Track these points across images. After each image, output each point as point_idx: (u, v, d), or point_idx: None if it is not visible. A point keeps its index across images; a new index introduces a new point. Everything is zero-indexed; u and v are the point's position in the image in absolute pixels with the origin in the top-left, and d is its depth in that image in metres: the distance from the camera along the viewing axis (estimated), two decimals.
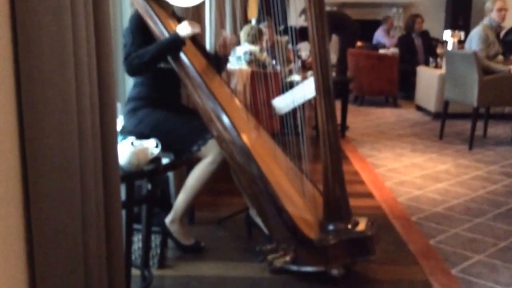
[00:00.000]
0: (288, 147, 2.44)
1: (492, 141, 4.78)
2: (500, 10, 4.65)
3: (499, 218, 2.92)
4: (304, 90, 2.32)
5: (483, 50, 4.50)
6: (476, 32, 4.63)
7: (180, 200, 2.34)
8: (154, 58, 2.17)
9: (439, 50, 6.93)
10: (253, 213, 2.46)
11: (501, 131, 5.08)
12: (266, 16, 5.66)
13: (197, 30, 2.18)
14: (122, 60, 2.18)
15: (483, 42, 4.52)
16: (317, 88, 2.09)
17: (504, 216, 2.94)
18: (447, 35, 7.70)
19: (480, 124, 4.83)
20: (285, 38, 6.15)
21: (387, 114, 6.06)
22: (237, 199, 2.65)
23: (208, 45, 4.18)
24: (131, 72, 2.20)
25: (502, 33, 6.33)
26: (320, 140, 2.14)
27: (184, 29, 2.17)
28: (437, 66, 6.16)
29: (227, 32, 4.29)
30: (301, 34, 2.69)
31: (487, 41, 4.55)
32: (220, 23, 4.40)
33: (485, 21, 4.67)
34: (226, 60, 2.57)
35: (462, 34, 7.19)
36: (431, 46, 7.24)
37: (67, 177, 1.25)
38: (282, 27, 7.01)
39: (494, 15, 4.64)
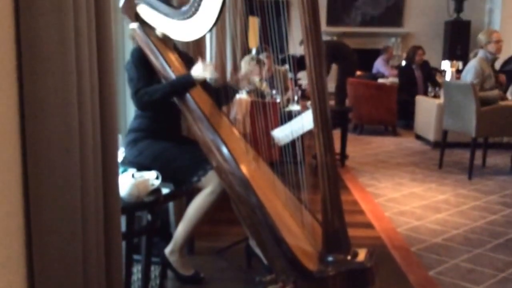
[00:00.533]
0: (287, 176, 2.46)
1: (491, 170, 4.80)
2: (497, 42, 4.69)
3: (499, 249, 2.91)
4: (303, 122, 2.35)
5: (478, 84, 4.53)
6: (472, 66, 4.66)
7: (180, 231, 2.35)
8: (165, 97, 2.22)
9: (439, 79, 7.02)
10: (253, 243, 2.47)
11: (500, 160, 5.10)
12: (265, 46, 5.78)
13: (210, 75, 2.22)
14: (131, 95, 2.23)
15: (478, 76, 4.55)
16: (315, 120, 2.12)
17: (503, 247, 2.94)
18: (445, 65, 7.82)
19: (479, 154, 4.87)
20: (285, 67, 6.24)
21: (387, 143, 6.09)
22: (237, 228, 2.65)
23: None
24: (141, 107, 2.26)
25: (497, 63, 6.41)
26: (318, 172, 2.16)
27: (198, 72, 2.21)
28: (435, 96, 6.23)
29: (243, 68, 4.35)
30: (301, 63, 2.75)
31: (483, 74, 4.58)
32: (220, 54, 4.48)
33: (480, 54, 4.70)
34: (235, 91, 2.61)
35: (460, 64, 7.29)
36: (431, 75, 7.33)
37: (68, 208, 1.27)
38: (282, 56, 7.13)
39: (491, 48, 4.67)
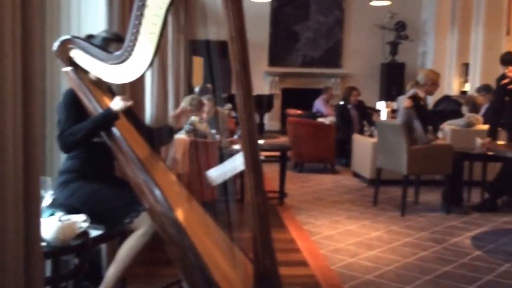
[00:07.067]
0: (224, 215, 2.48)
1: (423, 207, 5.01)
2: (431, 85, 4.97)
3: (427, 285, 3.03)
4: (235, 163, 2.41)
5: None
6: (401, 106, 4.94)
7: (111, 273, 2.31)
8: (88, 134, 2.23)
9: (375, 119, 7.34)
10: (185, 285, 2.45)
11: (432, 197, 5.34)
12: (207, 87, 5.86)
13: (129, 104, 2.26)
14: (57, 137, 2.22)
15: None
16: (246, 162, 2.18)
17: (432, 283, 3.06)
18: (380, 105, 8.20)
19: (412, 191, 5.08)
20: (228, 106, 6.34)
21: (325, 181, 6.25)
22: (171, 270, 2.62)
23: (148, 116, 4.25)
24: (65, 149, 2.25)
25: (429, 103, 6.79)
26: (249, 212, 2.20)
27: (116, 103, 2.25)
28: (371, 135, 6.50)
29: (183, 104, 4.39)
30: None
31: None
32: (161, 94, 4.50)
33: (411, 92, 4.96)
34: (176, 131, 2.64)
35: (394, 104, 7.67)
36: (366, 115, 7.65)
37: None
38: (225, 95, 7.24)
39: (422, 89, 4.94)
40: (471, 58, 8.73)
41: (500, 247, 3.78)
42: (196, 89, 6.27)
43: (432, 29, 10.96)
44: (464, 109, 5.86)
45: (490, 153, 4.50)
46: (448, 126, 5.57)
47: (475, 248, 3.74)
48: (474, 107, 5.85)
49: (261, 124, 10.05)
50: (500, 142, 4.83)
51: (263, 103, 10.00)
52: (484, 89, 6.24)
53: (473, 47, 8.61)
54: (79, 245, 1.83)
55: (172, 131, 2.61)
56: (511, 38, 8.95)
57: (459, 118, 5.65)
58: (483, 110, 6.11)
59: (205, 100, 4.78)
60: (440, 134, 5.62)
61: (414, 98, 4.90)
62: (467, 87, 9.26)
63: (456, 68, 9.73)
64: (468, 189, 5.21)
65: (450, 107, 7.83)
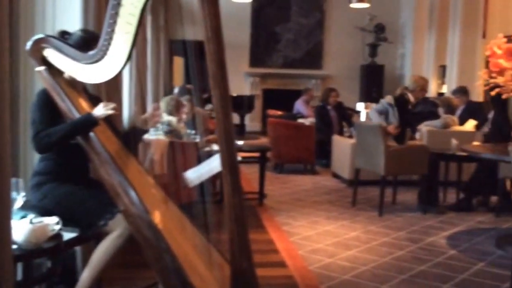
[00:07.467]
0: (202, 216, 2.47)
1: (400, 207, 5.06)
2: (420, 90, 5.14)
3: (403, 284, 3.07)
4: (211, 165, 2.40)
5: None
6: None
7: (85, 276, 2.28)
8: (65, 137, 2.20)
9: (355, 119, 7.40)
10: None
11: (409, 197, 5.40)
12: (188, 87, 5.84)
13: (111, 112, 2.23)
14: (31, 138, 2.18)
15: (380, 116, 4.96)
16: (222, 162, 2.17)
17: (408, 282, 3.10)
18: (360, 106, 8.27)
19: (390, 191, 5.14)
20: (209, 106, 6.32)
21: (305, 182, 6.28)
22: (148, 272, 2.59)
23: (126, 117, 4.22)
24: (40, 150, 2.22)
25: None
26: (226, 213, 2.19)
27: (99, 110, 2.22)
28: (350, 136, 6.55)
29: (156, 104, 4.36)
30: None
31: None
32: (140, 95, 4.47)
33: (388, 99, 5.06)
34: (144, 132, 2.62)
35: (373, 105, 7.75)
36: (346, 116, 7.70)
37: None
38: (206, 96, 7.22)
39: (417, 95, 5.10)
40: (448, 60, 8.86)
41: (474, 246, 3.84)
42: (175, 90, 6.25)
43: (410, 32, 11.10)
44: (441, 111, 5.94)
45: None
46: (424, 127, 5.64)
47: (450, 248, 3.80)
48: (450, 109, 5.93)
49: (242, 125, 10.05)
50: (475, 143, 4.92)
51: (244, 104, 9.99)
52: (459, 91, 6.34)
53: (450, 50, 8.75)
54: (51, 248, 1.80)
55: (143, 132, 2.59)
56: (487, 41, 9.11)
57: (436, 119, 5.72)
58: (459, 111, 6.20)
59: (184, 101, 4.76)
60: (417, 135, 5.70)
61: (403, 98, 5.00)
62: (445, 89, 9.40)
63: (434, 70, 9.86)
64: (443, 189, 5.29)
65: (428, 109, 7.91)
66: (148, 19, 5.36)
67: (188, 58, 2.36)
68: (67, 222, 2.16)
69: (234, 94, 9.70)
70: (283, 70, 11.21)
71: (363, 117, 7.66)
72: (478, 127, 5.87)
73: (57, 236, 1.87)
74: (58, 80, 2.29)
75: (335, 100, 7.46)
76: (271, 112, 8.78)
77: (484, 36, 8.69)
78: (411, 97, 5.05)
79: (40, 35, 2.30)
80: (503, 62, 3.43)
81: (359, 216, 4.65)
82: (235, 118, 9.67)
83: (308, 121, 7.76)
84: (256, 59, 11.08)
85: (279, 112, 8.71)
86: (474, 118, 5.90)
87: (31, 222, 1.77)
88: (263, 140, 8.21)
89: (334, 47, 11.32)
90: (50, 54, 2.26)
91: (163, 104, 4.47)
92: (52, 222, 1.86)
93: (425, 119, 5.71)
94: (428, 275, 3.21)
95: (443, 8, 9.46)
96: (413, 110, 8.31)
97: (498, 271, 3.32)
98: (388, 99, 5.41)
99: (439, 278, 3.17)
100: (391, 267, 3.35)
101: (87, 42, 2.32)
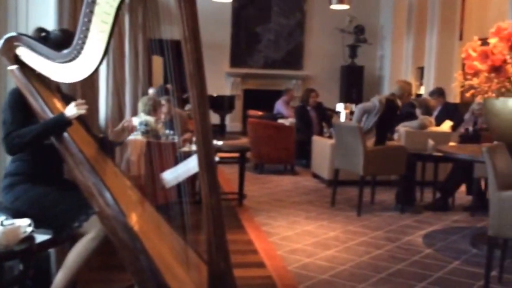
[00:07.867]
0: (180, 217, 2.45)
1: (378, 207, 5.10)
2: (410, 94, 5.29)
3: (380, 283, 3.09)
4: (188, 165, 2.38)
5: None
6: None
7: (59, 279, 2.24)
8: (36, 138, 2.16)
9: (335, 120, 7.44)
10: None
11: (388, 197, 5.44)
12: (167, 87, 5.79)
13: (83, 111, 2.19)
14: (2, 138, 2.14)
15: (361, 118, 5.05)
16: (200, 161, 2.16)
17: (384, 281, 3.12)
18: (340, 107, 8.32)
19: (369, 191, 5.18)
20: (189, 106, 6.27)
21: (285, 182, 6.29)
22: (125, 275, 2.56)
23: (103, 114, 4.17)
24: (11, 151, 2.17)
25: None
26: (203, 214, 2.18)
27: (70, 110, 2.18)
28: (330, 136, 6.57)
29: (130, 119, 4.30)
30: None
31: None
32: (117, 94, 4.42)
33: (381, 98, 5.12)
34: (118, 144, 2.58)
35: (353, 106, 7.80)
36: (326, 116, 7.74)
37: None
38: (186, 96, 7.18)
39: (404, 100, 5.19)
40: (426, 62, 8.99)
41: (450, 245, 3.89)
42: (151, 90, 6.18)
43: (389, 34, 11.23)
44: (418, 112, 6.02)
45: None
46: (402, 128, 5.70)
47: (426, 246, 3.84)
48: (427, 110, 6.01)
49: (223, 125, 10.03)
50: (451, 144, 4.99)
51: (225, 104, 9.98)
52: (436, 92, 6.44)
53: (427, 52, 8.87)
54: (22, 250, 1.76)
55: (111, 144, 2.55)
56: (464, 43, 9.26)
57: (414, 120, 5.79)
58: (436, 112, 6.29)
59: (163, 100, 4.72)
60: (395, 136, 5.76)
61: (393, 104, 5.06)
62: (422, 90, 9.52)
63: (412, 72, 9.99)
64: (420, 189, 5.35)
65: (406, 110, 8.01)
66: (126, 18, 5.30)
67: (167, 57, 2.34)
68: (40, 224, 2.12)
69: (215, 94, 9.68)
70: (263, 70, 11.22)
71: (342, 118, 7.70)
72: (454, 128, 5.96)
73: (29, 238, 1.83)
74: (31, 79, 2.24)
75: (315, 100, 7.50)
76: (252, 112, 8.79)
77: (461, 38, 8.85)
78: (399, 102, 5.13)
79: (12, 33, 2.26)
80: (477, 64, 3.47)
81: (338, 216, 4.67)
82: (216, 119, 9.65)
83: (288, 121, 7.78)
84: (237, 59, 11.07)
85: (260, 113, 8.72)
86: (450, 119, 5.99)
87: (2, 224, 1.74)
88: (243, 140, 8.22)
89: (314, 48, 11.38)
90: (23, 52, 2.22)
91: (140, 104, 4.42)
92: (24, 224, 1.82)
93: (403, 120, 5.77)
94: (404, 274, 3.24)
95: (421, 10, 9.59)
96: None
97: (473, 269, 3.37)
98: (380, 98, 5.41)
99: (415, 276, 3.20)
100: (368, 266, 3.38)
101: (66, 43, 2.28)
